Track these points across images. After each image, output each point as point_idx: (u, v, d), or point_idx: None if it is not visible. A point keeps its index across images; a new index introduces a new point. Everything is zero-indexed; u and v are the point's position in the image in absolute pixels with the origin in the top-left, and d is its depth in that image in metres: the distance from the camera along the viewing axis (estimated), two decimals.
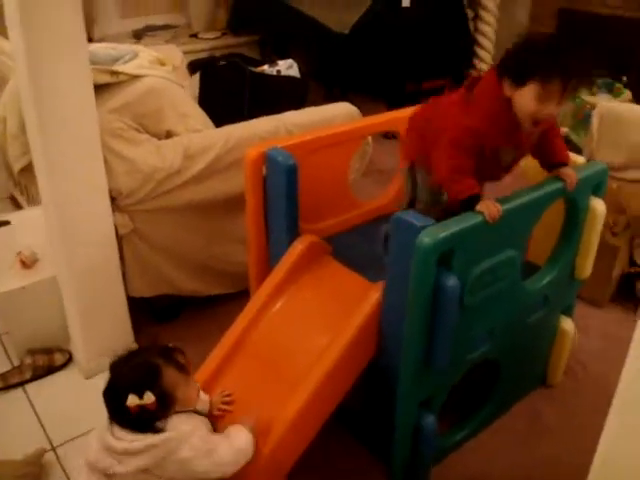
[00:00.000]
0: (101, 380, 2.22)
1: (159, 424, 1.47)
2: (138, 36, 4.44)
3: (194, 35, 4.58)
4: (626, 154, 2.73)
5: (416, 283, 1.58)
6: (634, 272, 2.68)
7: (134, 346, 2.33)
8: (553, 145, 1.81)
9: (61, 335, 2.35)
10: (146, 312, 2.52)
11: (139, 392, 1.43)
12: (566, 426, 2.13)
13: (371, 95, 4.28)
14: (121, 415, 1.46)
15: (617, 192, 2.56)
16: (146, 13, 4.56)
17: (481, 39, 4.60)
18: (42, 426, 2.10)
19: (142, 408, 1.44)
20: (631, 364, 1.02)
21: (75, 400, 2.21)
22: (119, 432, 1.47)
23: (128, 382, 1.46)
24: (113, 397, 1.48)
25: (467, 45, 4.56)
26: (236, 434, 1.57)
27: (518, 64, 1.59)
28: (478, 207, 1.63)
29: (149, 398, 1.44)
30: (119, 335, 2.30)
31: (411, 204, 1.98)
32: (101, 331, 2.24)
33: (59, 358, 2.31)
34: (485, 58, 4.68)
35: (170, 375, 1.50)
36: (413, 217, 1.58)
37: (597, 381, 2.32)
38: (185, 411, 1.53)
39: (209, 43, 4.50)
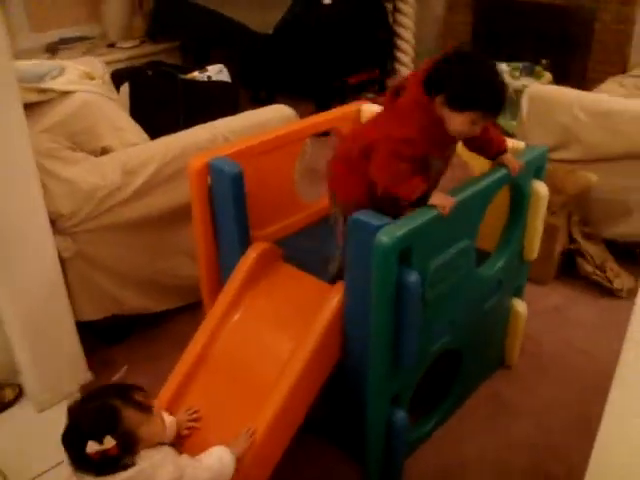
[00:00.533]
0: (56, 412, 2.18)
1: (127, 461, 1.40)
2: (52, 50, 4.29)
3: (111, 45, 4.46)
4: (555, 135, 2.82)
5: (378, 283, 1.58)
6: (574, 248, 2.76)
7: (88, 374, 2.27)
8: (489, 137, 1.84)
9: (8, 369, 2.24)
10: (96, 336, 2.44)
11: (98, 438, 1.36)
12: (529, 404, 2.19)
13: (298, 94, 4.27)
14: (83, 462, 1.39)
15: (551, 173, 2.63)
16: (59, 26, 4.40)
17: (401, 31, 4.66)
18: None
19: (103, 453, 1.36)
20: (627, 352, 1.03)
21: (31, 436, 2.11)
22: (87, 477, 1.40)
23: (86, 428, 1.38)
24: (72, 444, 1.40)
25: (388, 37, 4.61)
26: (212, 454, 1.54)
27: (459, 95, 1.62)
28: (431, 201, 1.65)
29: (109, 442, 1.36)
30: (71, 362, 2.22)
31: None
32: (52, 360, 2.16)
33: (9, 393, 2.21)
34: (405, 49, 4.74)
35: (130, 416, 1.42)
36: (370, 217, 1.58)
37: (552, 357, 2.40)
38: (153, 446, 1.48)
39: (128, 52, 4.38)
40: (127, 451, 1.40)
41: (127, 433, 1.40)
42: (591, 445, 1.94)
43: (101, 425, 1.38)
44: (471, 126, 1.66)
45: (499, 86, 1.65)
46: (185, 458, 1.53)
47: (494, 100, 1.65)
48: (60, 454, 1.92)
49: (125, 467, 1.40)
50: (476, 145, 1.87)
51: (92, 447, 1.35)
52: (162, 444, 1.52)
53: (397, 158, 1.66)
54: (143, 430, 1.44)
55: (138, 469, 1.40)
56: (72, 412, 1.43)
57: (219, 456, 1.55)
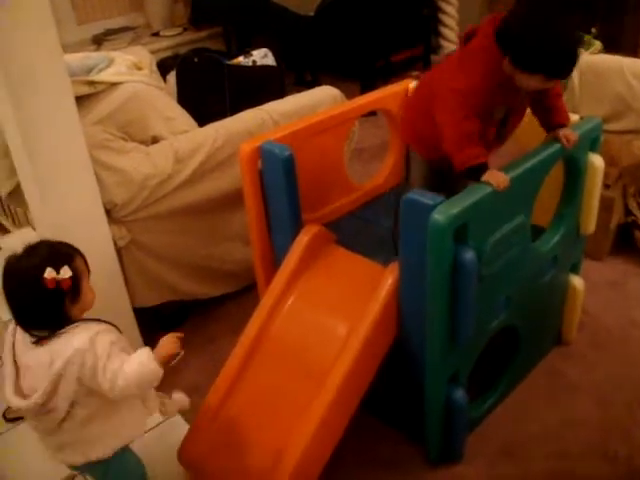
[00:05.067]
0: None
1: (68, 312, 1.42)
2: (98, 41, 4.34)
3: (155, 34, 4.49)
4: (608, 106, 2.74)
5: (434, 261, 1.57)
6: (631, 221, 2.70)
7: None
8: (554, 106, 1.81)
9: None
10: (153, 321, 2.48)
11: (55, 265, 1.37)
12: (589, 381, 2.15)
13: (341, 75, 4.25)
14: (30, 303, 1.40)
15: (605, 144, 2.56)
16: (103, 17, 4.45)
17: (444, 5, 4.59)
18: None
19: (58, 284, 1.37)
20: None
21: None
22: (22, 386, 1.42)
23: (46, 256, 1.39)
24: (27, 277, 1.38)
25: (431, 13, 4.54)
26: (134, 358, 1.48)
27: (529, 58, 1.58)
28: (485, 178, 1.63)
29: (66, 272, 1.38)
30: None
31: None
32: None
33: None
34: (450, 24, 4.67)
35: (80, 263, 1.46)
36: (424, 197, 1.57)
37: (611, 332, 2.35)
38: (87, 320, 1.47)
39: (172, 40, 4.41)
40: (72, 296, 1.41)
41: (77, 275, 1.42)
42: None
43: (59, 255, 1.41)
44: (541, 85, 1.64)
45: (567, 47, 1.58)
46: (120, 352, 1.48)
47: (560, 65, 1.60)
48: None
49: (61, 325, 1.40)
50: (541, 110, 1.83)
51: (49, 273, 1.36)
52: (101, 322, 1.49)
53: (466, 113, 1.65)
54: (84, 285, 1.46)
55: (65, 361, 1.38)
56: (22, 254, 1.42)
57: (140, 360, 1.47)
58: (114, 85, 2.17)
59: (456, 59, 1.75)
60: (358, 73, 4.21)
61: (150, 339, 2.34)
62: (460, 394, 1.79)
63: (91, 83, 2.15)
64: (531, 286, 1.95)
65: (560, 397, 2.10)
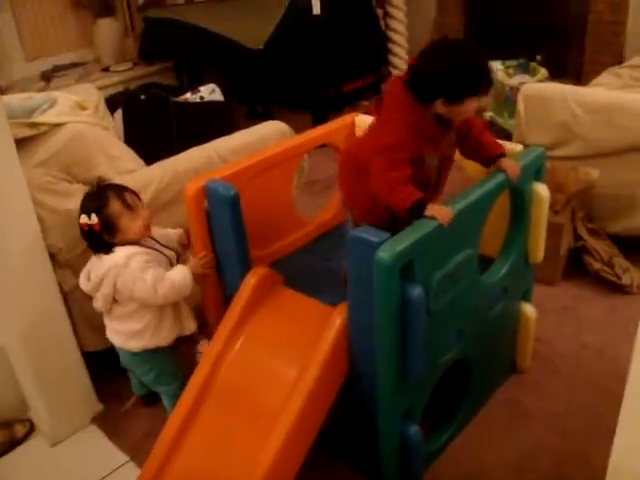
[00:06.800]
0: (68, 446, 2.16)
1: (107, 241, 1.90)
2: (47, 78, 4.27)
3: (106, 69, 4.45)
4: (555, 133, 2.79)
5: (381, 299, 1.56)
6: (580, 246, 2.73)
7: (99, 406, 2.27)
8: (483, 142, 1.84)
9: (18, 405, 2.23)
10: (103, 365, 2.42)
11: (88, 214, 1.86)
12: (544, 408, 2.16)
13: (294, 106, 4.27)
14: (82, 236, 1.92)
15: (552, 171, 2.60)
16: (52, 53, 4.39)
17: (393, 35, 4.65)
18: None
19: (90, 227, 1.87)
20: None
21: (45, 471, 2.10)
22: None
23: (82, 206, 1.89)
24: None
25: (380, 43, 4.60)
26: (175, 271, 1.96)
27: (456, 92, 1.65)
28: (428, 212, 1.63)
29: (93, 219, 1.86)
30: (80, 395, 2.22)
31: None
32: (61, 394, 2.15)
33: (20, 430, 2.19)
34: (399, 53, 4.73)
35: (115, 206, 1.88)
36: (369, 234, 1.56)
37: (565, 358, 2.36)
38: (130, 244, 1.93)
39: (122, 75, 4.37)
40: (108, 232, 1.88)
41: (110, 218, 1.87)
42: (610, 447, 1.91)
43: (91, 205, 1.88)
44: (474, 106, 1.70)
45: (482, 62, 1.68)
46: (156, 268, 1.94)
47: (486, 78, 1.68)
48: None
49: (106, 250, 1.91)
50: (471, 150, 1.86)
51: (83, 219, 1.87)
52: (145, 247, 1.96)
53: (391, 166, 1.67)
54: (123, 222, 1.89)
55: (107, 267, 1.89)
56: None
57: (183, 274, 1.95)
58: (57, 126, 2.14)
59: (375, 124, 1.80)
60: (310, 104, 4.23)
61: (101, 384, 2.30)
62: (414, 430, 1.78)
63: (33, 125, 2.11)
64: (482, 318, 1.95)
65: (516, 426, 2.10)
